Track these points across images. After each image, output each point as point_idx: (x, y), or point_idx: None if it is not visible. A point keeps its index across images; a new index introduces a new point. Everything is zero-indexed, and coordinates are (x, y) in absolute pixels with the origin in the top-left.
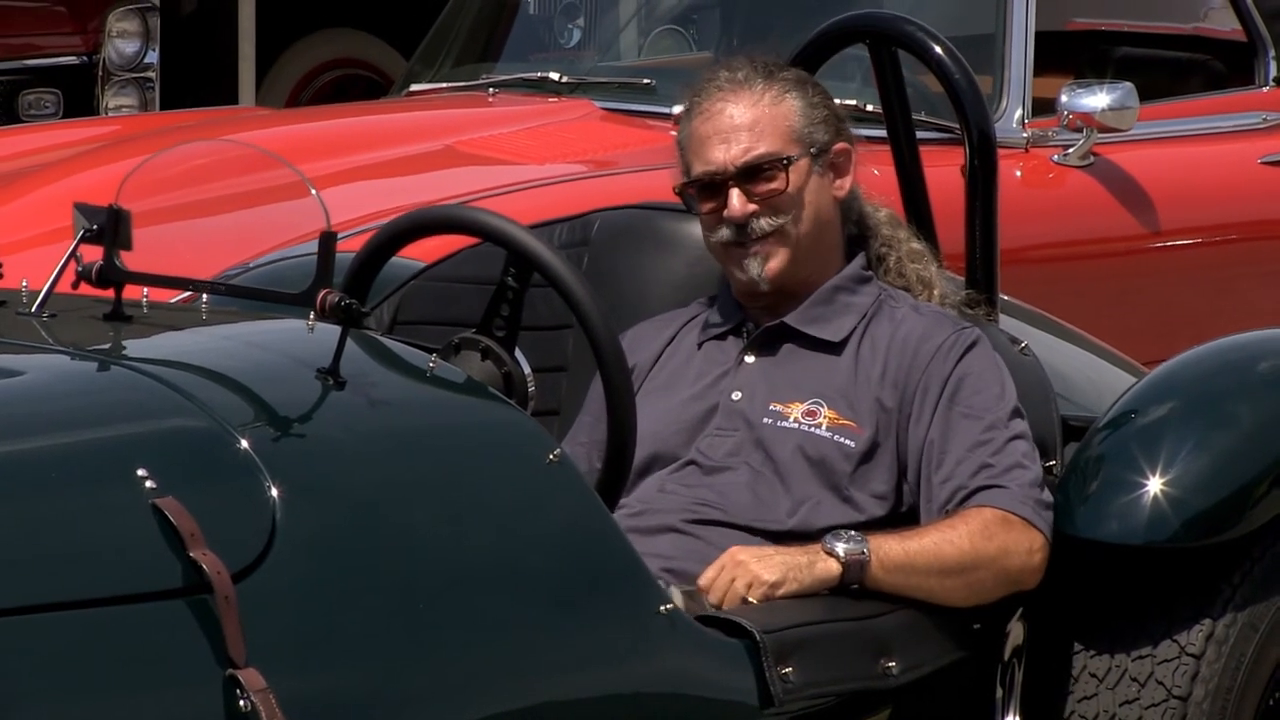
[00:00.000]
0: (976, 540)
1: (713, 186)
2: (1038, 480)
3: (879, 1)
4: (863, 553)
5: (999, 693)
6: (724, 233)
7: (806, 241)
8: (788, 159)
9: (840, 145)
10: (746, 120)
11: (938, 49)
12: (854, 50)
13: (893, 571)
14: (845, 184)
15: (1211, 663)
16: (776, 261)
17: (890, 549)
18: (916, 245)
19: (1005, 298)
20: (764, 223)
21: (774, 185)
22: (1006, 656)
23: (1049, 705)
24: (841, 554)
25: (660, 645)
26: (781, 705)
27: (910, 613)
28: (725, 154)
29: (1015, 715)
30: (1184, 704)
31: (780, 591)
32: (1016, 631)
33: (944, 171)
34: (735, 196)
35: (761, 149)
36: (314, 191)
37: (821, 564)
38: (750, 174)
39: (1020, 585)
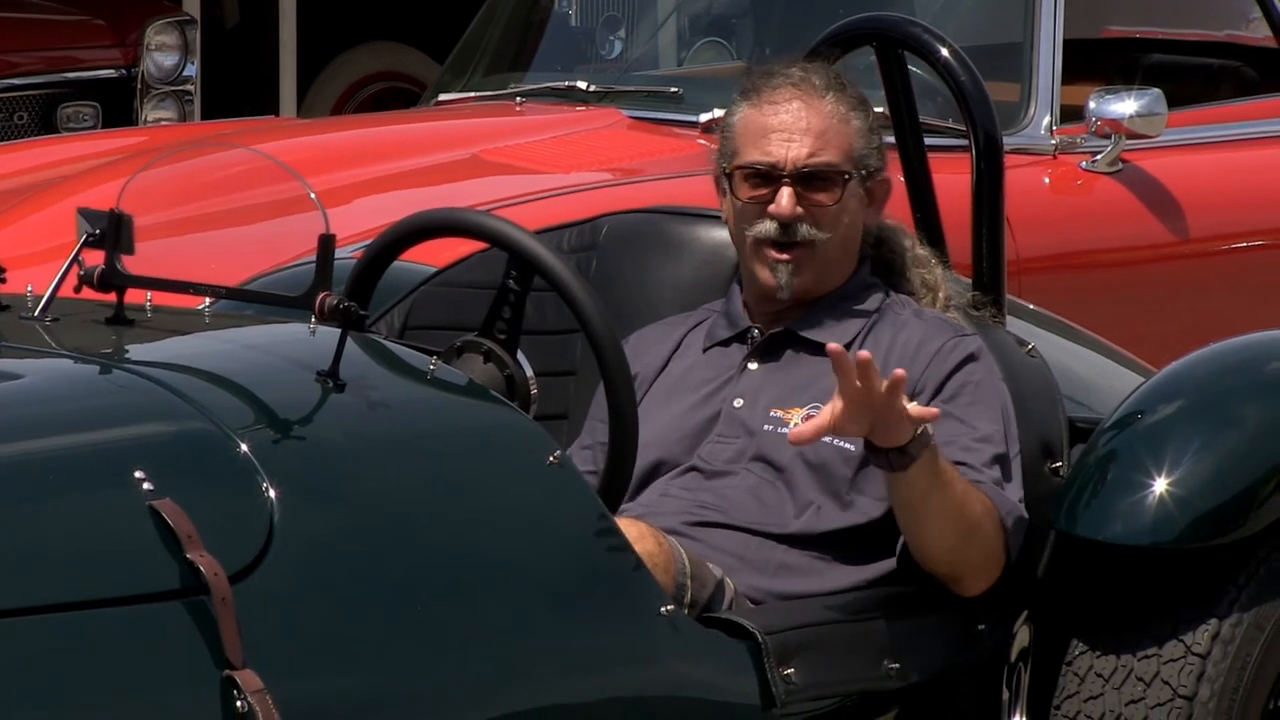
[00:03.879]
0: (986, 515)
1: (765, 178)
2: (1014, 507)
3: (911, 10)
4: (930, 441)
5: (1005, 694)
6: (765, 227)
7: (834, 259)
8: (848, 174)
9: (884, 176)
10: (817, 126)
11: (944, 51)
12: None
13: (939, 472)
14: (877, 214)
15: (1217, 663)
16: (804, 276)
17: (945, 461)
18: (921, 251)
19: (1012, 299)
20: (807, 230)
21: (827, 196)
22: (1013, 658)
23: (1055, 706)
24: (918, 425)
25: (662, 647)
26: (784, 707)
27: (915, 614)
28: (787, 151)
29: (1022, 716)
30: (1190, 704)
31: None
32: (1023, 633)
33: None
34: (786, 196)
35: (826, 157)
36: (313, 195)
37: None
38: (808, 179)
39: (979, 581)
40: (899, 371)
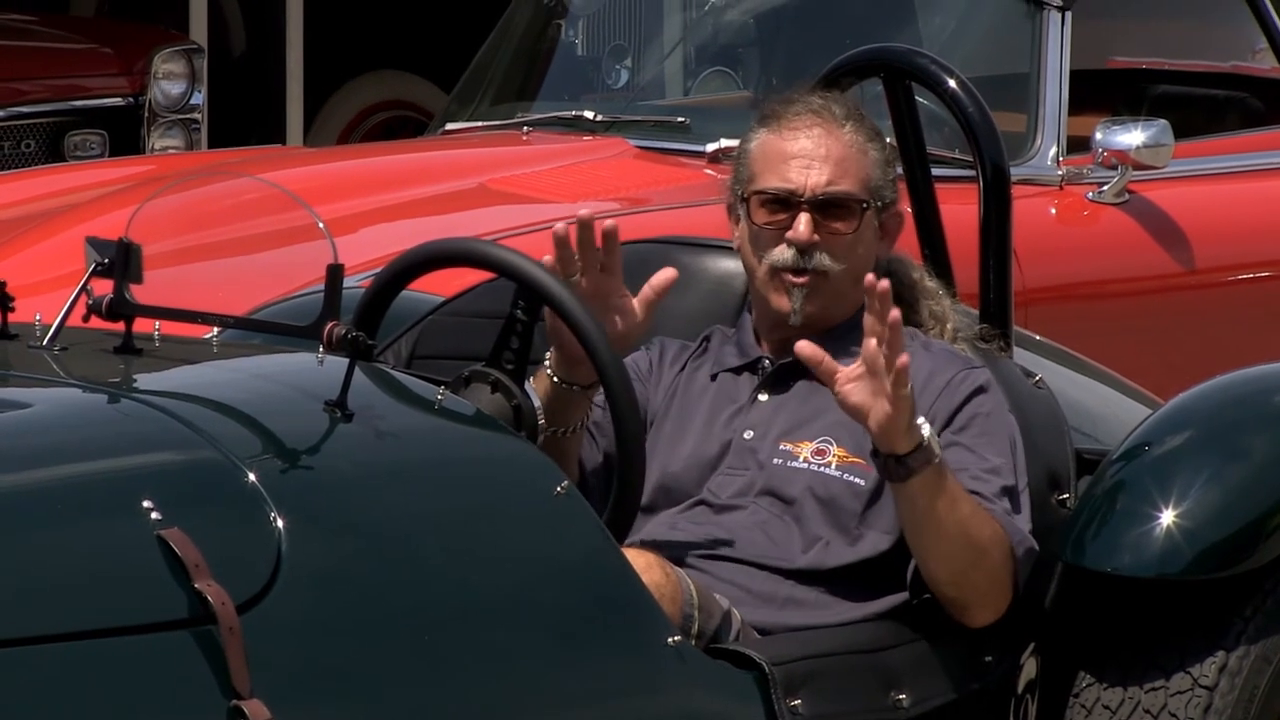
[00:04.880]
0: (995, 541)
1: (783, 204)
2: (1025, 538)
3: (918, 41)
4: (938, 453)
5: None
6: (781, 253)
7: (845, 290)
8: (865, 204)
9: (897, 210)
10: (836, 154)
11: (951, 82)
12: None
13: (945, 490)
14: (890, 247)
15: (1224, 695)
16: (817, 303)
17: (954, 480)
18: (929, 283)
19: (1018, 330)
20: (823, 259)
21: (845, 225)
22: (1020, 689)
23: None
24: (926, 435)
25: (668, 678)
26: None
27: (922, 645)
28: (806, 178)
29: None
30: None
31: (901, 392)
32: (1030, 664)
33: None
34: (804, 222)
35: (845, 186)
36: (321, 224)
37: (919, 425)
38: (826, 207)
39: (987, 610)
40: (904, 357)
